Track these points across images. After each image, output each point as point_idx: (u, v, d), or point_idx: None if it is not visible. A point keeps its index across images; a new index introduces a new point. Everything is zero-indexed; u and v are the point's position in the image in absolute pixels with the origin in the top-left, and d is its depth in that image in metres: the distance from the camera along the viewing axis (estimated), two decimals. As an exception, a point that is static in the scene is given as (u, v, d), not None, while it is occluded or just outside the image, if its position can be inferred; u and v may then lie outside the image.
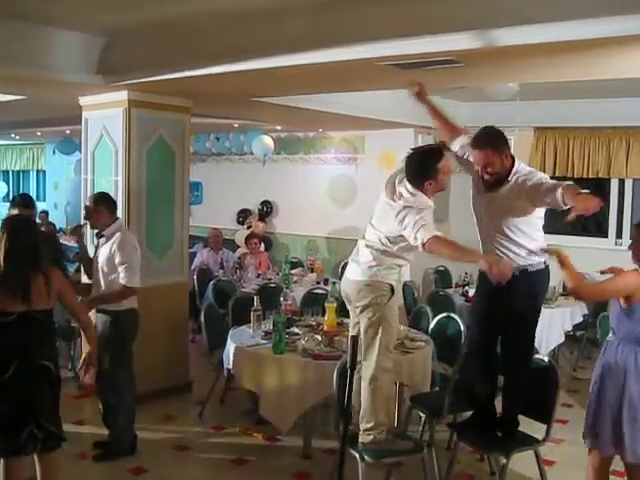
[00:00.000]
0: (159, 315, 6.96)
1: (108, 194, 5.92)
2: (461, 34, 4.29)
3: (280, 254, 11.33)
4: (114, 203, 5.80)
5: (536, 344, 7.26)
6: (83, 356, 5.00)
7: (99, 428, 5.79)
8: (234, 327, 6.37)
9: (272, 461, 5.72)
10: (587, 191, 4.23)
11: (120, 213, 6.64)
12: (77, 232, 6.09)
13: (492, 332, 4.80)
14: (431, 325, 6.32)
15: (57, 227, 13.57)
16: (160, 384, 6.89)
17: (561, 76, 5.85)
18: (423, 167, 4.51)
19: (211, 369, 6.80)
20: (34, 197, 17.83)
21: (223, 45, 5.50)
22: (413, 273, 9.63)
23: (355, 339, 3.82)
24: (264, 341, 5.80)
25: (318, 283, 8.98)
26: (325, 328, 5.94)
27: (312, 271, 9.78)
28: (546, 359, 4.98)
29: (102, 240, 5.61)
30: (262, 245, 10.67)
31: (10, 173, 19.53)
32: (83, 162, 7.29)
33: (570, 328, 8.01)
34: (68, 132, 12.87)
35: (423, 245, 4.26)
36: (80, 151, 8.21)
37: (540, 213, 4.71)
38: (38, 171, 18.44)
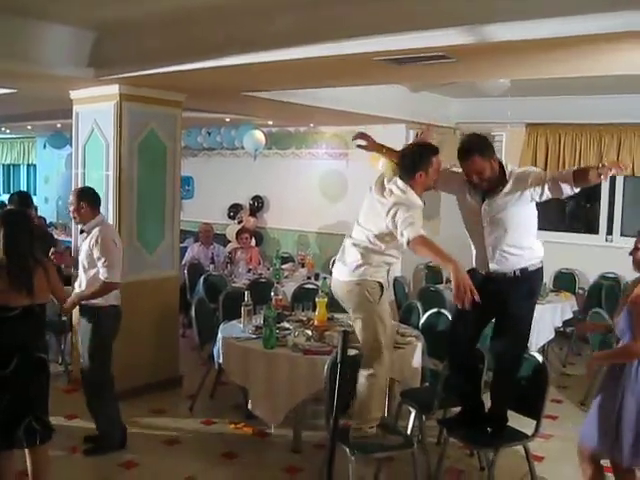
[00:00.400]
0: (150, 309, 6.97)
1: (90, 188, 5.85)
2: (453, 29, 4.30)
3: (271, 249, 11.33)
4: (97, 198, 5.69)
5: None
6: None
7: (90, 422, 5.77)
8: (225, 322, 6.37)
9: (262, 455, 5.74)
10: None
11: (111, 207, 6.67)
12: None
13: (479, 329, 4.83)
14: (421, 320, 6.33)
15: (47, 221, 13.56)
16: (150, 378, 6.89)
17: (552, 72, 5.86)
18: (418, 157, 4.60)
19: (201, 363, 6.82)
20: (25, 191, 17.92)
21: (215, 39, 5.49)
22: (404, 269, 9.64)
23: (345, 334, 3.83)
24: (255, 336, 5.80)
25: (309, 278, 8.99)
26: (316, 323, 5.94)
27: (303, 266, 9.79)
28: (536, 355, 4.99)
29: (83, 235, 5.60)
30: (253, 240, 10.67)
31: (0, 167, 19.45)
32: (74, 156, 7.27)
33: (560, 324, 8.02)
34: (59, 126, 12.81)
35: (408, 243, 4.29)
36: (71, 145, 8.19)
37: (534, 210, 4.75)
38: (29, 165, 18.35)
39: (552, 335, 7.84)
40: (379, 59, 5.00)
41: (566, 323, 8.19)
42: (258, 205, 12.45)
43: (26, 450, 4.30)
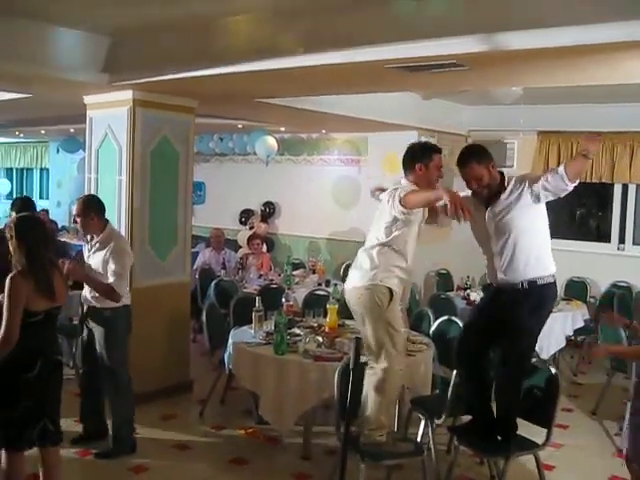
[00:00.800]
0: (161, 314, 6.99)
1: (95, 197, 5.90)
2: (467, 38, 4.30)
3: (282, 255, 11.34)
4: (104, 206, 5.69)
5: (537, 348, 7.30)
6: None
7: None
8: (235, 327, 6.38)
9: (272, 461, 5.74)
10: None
11: (123, 212, 6.70)
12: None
13: (489, 342, 4.82)
14: (432, 328, 6.32)
15: (60, 225, 13.61)
16: (161, 383, 6.90)
17: (566, 80, 5.86)
18: (419, 151, 4.76)
19: (212, 369, 6.82)
20: (37, 195, 18.03)
21: (228, 46, 5.52)
22: (415, 276, 9.62)
23: (358, 341, 3.84)
24: (265, 342, 5.80)
25: (320, 284, 8.98)
26: (326, 329, 5.95)
27: (314, 272, 9.79)
28: (547, 363, 4.98)
29: (96, 246, 5.56)
30: (264, 246, 10.67)
31: (14, 171, 19.54)
32: (87, 161, 7.29)
33: (571, 333, 7.99)
34: (72, 131, 12.86)
35: (400, 202, 4.39)
36: (84, 150, 8.22)
37: (543, 218, 4.73)
38: (42, 169, 18.44)
39: (563, 344, 7.81)
40: (391, 67, 5.00)
41: (577, 332, 8.16)
42: (269, 211, 12.45)
43: (40, 451, 4.33)
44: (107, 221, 5.68)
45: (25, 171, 19.38)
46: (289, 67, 5.17)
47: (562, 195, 4.56)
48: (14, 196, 18.92)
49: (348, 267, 9.78)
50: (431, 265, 9.96)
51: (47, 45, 5.87)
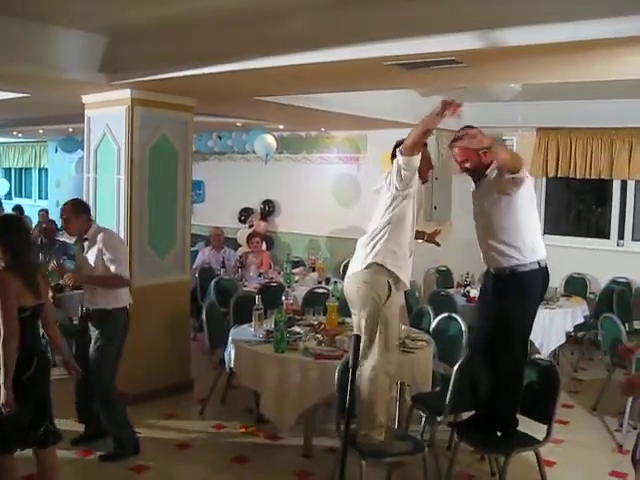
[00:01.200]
0: (161, 313, 6.99)
1: (80, 199, 6.00)
2: (465, 34, 4.30)
3: (282, 253, 11.33)
4: (89, 207, 5.86)
5: (537, 344, 7.34)
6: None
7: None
8: (235, 326, 6.38)
9: (273, 460, 5.74)
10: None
11: (122, 211, 6.72)
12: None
13: (493, 335, 4.81)
14: (432, 325, 6.33)
15: (58, 225, 13.60)
16: (162, 382, 6.90)
17: (564, 77, 5.85)
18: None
19: (212, 368, 6.81)
20: (36, 195, 18.02)
21: (227, 44, 5.50)
22: (415, 273, 9.62)
23: (357, 338, 3.84)
24: (265, 340, 5.80)
25: (320, 282, 8.99)
26: (326, 327, 5.95)
27: (314, 270, 9.79)
28: (547, 360, 4.98)
29: (86, 244, 5.59)
30: (264, 244, 10.66)
31: (12, 171, 19.53)
32: (85, 160, 7.29)
33: (571, 329, 8.00)
34: (70, 130, 12.86)
35: (401, 152, 4.43)
36: (82, 149, 8.21)
37: (523, 208, 4.68)
38: (40, 169, 18.43)
39: (563, 340, 7.81)
40: (390, 64, 5.00)
41: (577, 328, 8.17)
42: (269, 209, 12.45)
43: (34, 453, 4.33)
44: (92, 221, 5.75)
45: (24, 171, 19.37)
46: (286, 65, 5.16)
47: (513, 190, 4.54)
48: (12, 196, 18.94)
49: (348, 264, 9.84)
50: (431, 262, 9.95)
51: (44, 45, 5.85)
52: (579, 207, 10.88)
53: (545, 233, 10.08)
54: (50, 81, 6.20)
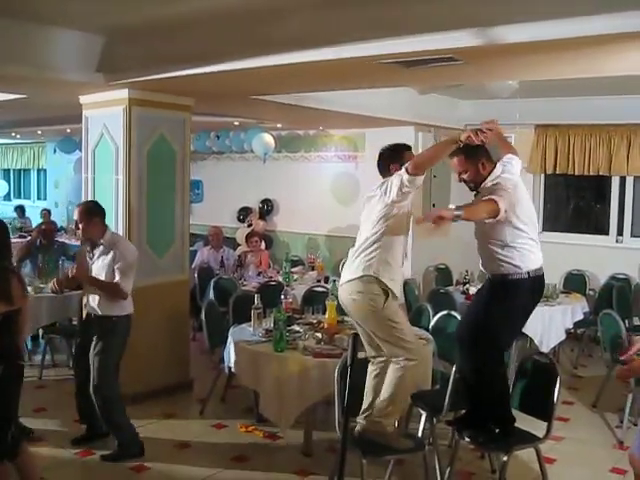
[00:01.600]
0: (160, 313, 6.98)
1: (96, 202, 5.89)
2: (462, 32, 4.29)
3: (281, 252, 11.32)
4: (104, 210, 5.73)
5: (537, 341, 7.35)
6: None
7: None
8: (235, 325, 6.38)
9: (273, 458, 5.73)
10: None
11: (120, 211, 6.71)
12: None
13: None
14: (432, 323, 6.32)
15: (58, 226, 13.59)
16: (161, 382, 6.91)
17: (562, 73, 5.84)
18: (389, 155, 4.77)
19: (212, 367, 6.81)
20: (35, 196, 18.04)
21: (224, 43, 5.50)
22: (414, 271, 9.63)
23: (356, 337, 3.83)
24: (265, 339, 5.80)
25: (319, 281, 8.99)
26: (326, 326, 5.94)
27: (313, 269, 9.80)
28: (546, 356, 4.98)
29: (100, 249, 5.56)
30: (263, 243, 10.66)
31: (11, 172, 19.54)
32: (84, 161, 7.29)
33: (571, 325, 7.99)
34: (69, 131, 12.87)
35: (407, 171, 4.35)
36: (80, 150, 8.21)
37: (518, 218, 4.66)
38: (39, 170, 18.45)
39: (563, 336, 7.81)
40: (387, 62, 5.00)
41: (577, 324, 8.17)
42: (268, 208, 12.45)
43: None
44: (107, 225, 5.71)
45: (22, 172, 19.38)
46: (284, 64, 5.16)
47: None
48: (12, 197, 18.95)
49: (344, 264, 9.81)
50: (430, 260, 9.96)
51: (41, 45, 5.84)
52: (578, 204, 10.89)
53: (544, 230, 10.11)
54: (47, 82, 6.20)
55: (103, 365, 5.50)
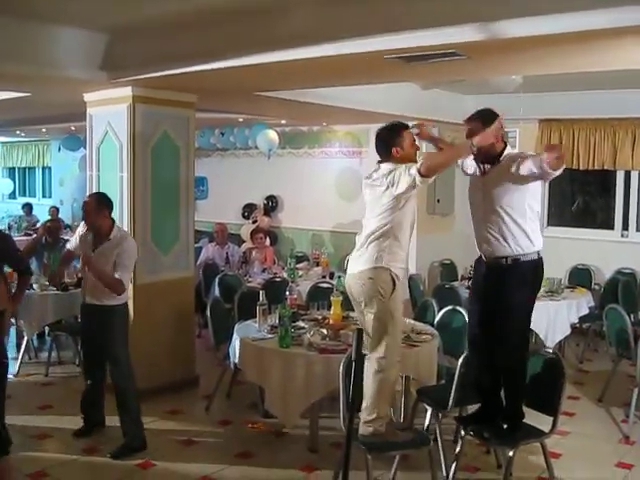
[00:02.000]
0: (165, 310, 7.00)
1: (104, 194, 5.90)
2: (465, 26, 4.28)
3: (285, 248, 11.35)
4: (112, 204, 5.78)
5: (542, 336, 7.34)
6: None
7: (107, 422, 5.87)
8: (240, 322, 6.39)
9: (279, 454, 5.74)
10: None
11: (125, 209, 6.72)
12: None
13: (489, 322, 4.78)
14: (437, 318, 6.33)
15: (64, 223, 13.62)
16: (167, 379, 6.92)
17: (566, 67, 5.83)
18: (388, 136, 4.73)
19: (217, 364, 6.81)
20: (40, 194, 18.08)
21: (227, 39, 5.49)
22: (419, 266, 9.64)
23: (360, 332, 3.83)
24: (270, 335, 5.81)
25: (324, 277, 9.00)
26: (331, 322, 5.95)
27: (317, 265, 9.80)
28: (552, 351, 4.97)
29: (105, 245, 5.60)
30: (267, 239, 10.67)
31: (16, 170, 19.56)
32: (88, 158, 7.30)
33: (576, 320, 8.00)
34: (73, 128, 12.87)
35: (420, 172, 4.33)
36: (85, 147, 8.23)
37: (533, 197, 4.71)
38: (44, 168, 18.46)
39: (568, 331, 7.81)
40: (390, 57, 4.99)
41: (582, 319, 8.16)
42: (272, 205, 12.46)
43: None
44: (113, 220, 5.75)
45: (27, 170, 19.39)
46: (287, 60, 5.15)
47: (547, 180, 4.56)
48: (17, 195, 18.98)
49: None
50: (435, 255, 9.96)
51: (45, 43, 5.85)
52: (583, 198, 10.86)
53: (549, 225, 10.11)
54: (51, 80, 6.21)
55: (118, 352, 5.61)
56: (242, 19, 5.30)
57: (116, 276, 5.48)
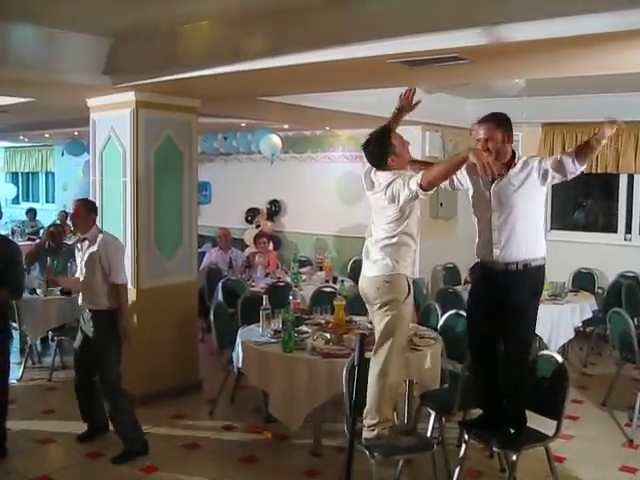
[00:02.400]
0: (169, 315, 7.00)
1: (91, 200, 6.17)
2: (468, 31, 4.28)
3: (289, 253, 11.33)
4: (97, 208, 6.01)
5: (546, 340, 7.34)
6: None
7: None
8: (243, 326, 6.38)
9: (282, 459, 5.74)
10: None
11: (128, 214, 6.74)
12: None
13: (493, 330, 4.77)
14: (440, 322, 6.31)
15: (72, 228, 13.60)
16: (170, 383, 6.92)
17: (569, 71, 5.84)
18: (379, 147, 4.72)
19: (221, 368, 6.82)
20: (44, 199, 18.09)
21: (230, 45, 5.51)
22: (422, 270, 9.62)
23: (363, 337, 3.83)
24: (273, 340, 5.81)
25: (327, 281, 8.99)
26: (334, 326, 5.94)
27: (321, 269, 9.79)
28: (555, 355, 4.96)
29: (86, 243, 5.71)
30: (271, 244, 10.66)
31: (19, 175, 19.58)
32: (91, 163, 7.32)
33: (580, 324, 7.98)
34: (76, 133, 12.89)
35: (420, 186, 4.32)
36: (88, 152, 8.24)
37: (542, 202, 4.73)
38: (47, 173, 18.48)
39: (572, 335, 7.80)
40: (393, 62, 5.00)
41: (586, 323, 8.15)
42: (275, 209, 12.46)
43: None
44: (96, 223, 5.90)
45: (31, 175, 19.42)
46: (290, 65, 5.16)
47: (569, 178, 4.55)
48: (20, 200, 19.00)
49: (355, 263, 9.78)
50: (438, 259, 9.94)
51: (48, 49, 5.87)
52: (586, 202, 10.86)
53: (552, 228, 10.09)
54: (54, 85, 6.22)
55: (107, 357, 5.59)
56: (245, 24, 5.31)
57: (115, 281, 5.60)
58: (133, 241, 6.72)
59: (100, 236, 5.68)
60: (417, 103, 5.15)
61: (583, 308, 8.01)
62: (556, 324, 7.54)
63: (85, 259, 5.67)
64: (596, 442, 6.03)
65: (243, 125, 10.82)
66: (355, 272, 9.78)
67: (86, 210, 5.75)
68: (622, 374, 6.91)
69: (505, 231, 4.63)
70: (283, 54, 5.16)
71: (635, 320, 7.11)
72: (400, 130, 5.12)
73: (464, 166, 4.57)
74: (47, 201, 18.67)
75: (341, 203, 11.22)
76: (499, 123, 4.61)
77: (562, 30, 3.99)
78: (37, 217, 16.09)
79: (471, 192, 4.88)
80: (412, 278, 4.83)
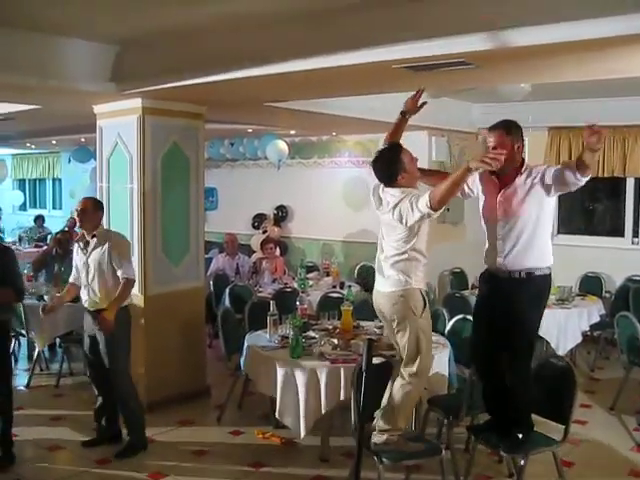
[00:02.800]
0: (176, 321, 7.01)
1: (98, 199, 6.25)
2: (474, 35, 4.29)
3: (296, 258, 11.33)
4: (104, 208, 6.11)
5: (553, 344, 7.32)
6: None
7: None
8: (251, 332, 6.38)
9: (290, 464, 5.72)
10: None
11: (135, 220, 6.75)
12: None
13: (495, 335, 4.76)
14: (447, 327, 6.31)
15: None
16: (178, 389, 6.93)
17: (576, 75, 5.86)
18: (388, 166, 4.71)
19: (228, 374, 6.82)
20: (50, 205, 18.12)
21: (236, 51, 5.51)
22: (429, 275, 9.59)
23: (370, 342, 3.83)
24: (281, 345, 5.81)
25: (334, 287, 8.98)
26: (341, 331, 5.95)
27: (328, 275, 9.80)
28: (563, 360, 4.96)
29: (93, 241, 5.72)
30: (278, 250, 10.68)
31: (26, 182, 19.63)
32: (98, 170, 7.34)
33: (587, 328, 7.96)
34: (83, 140, 12.93)
35: (430, 206, 4.32)
36: (95, 159, 8.26)
37: (550, 212, 4.75)
38: (54, 179, 18.52)
39: (580, 339, 7.78)
40: (399, 67, 5.00)
41: (593, 327, 8.13)
42: (282, 215, 12.46)
43: None
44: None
45: (38, 182, 19.46)
46: (296, 71, 5.17)
47: (573, 189, 4.55)
48: (27, 207, 19.04)
49: (362, 268, 9.78)
50: (445, 264, 9.93)
51: (55, 56, 5.90)
52: (593, 205, 10.84)
53: (559, 233, 10.07)
54: (61, 92, 6.24)
55: (119, 354, 5.65)
56: (251, 30, 5.32)
57: (123, 276, 5.63)
58: (140, 247, 6.73)
59: (110, 237, 5.74)
60: (423, 104, 5.14)
61: (590, 312, 7.99)
62: (563, 328, 7.52)
63: (95, 259, 5.67)
64: (604, 447, 6.01)
65: (250, 131, 10.84)
66: (362, 277, 9.80)
67: (93, 207, 5.80)
68: (630, 378, 6.89)
69: (510, 240, 4.65)
70: (289, 60, 5.17)
71: None
72: (406, 135, 5.14)
73: (476, 174, 4.59)
74: (54, 207, 18.71)
75: (348, 208, 11.22)
76: (508, 131, 4.64)
77: (568, 35, 3.99)
78: (45, 224, 16.12)
79: (481, 201, 4.89)
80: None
